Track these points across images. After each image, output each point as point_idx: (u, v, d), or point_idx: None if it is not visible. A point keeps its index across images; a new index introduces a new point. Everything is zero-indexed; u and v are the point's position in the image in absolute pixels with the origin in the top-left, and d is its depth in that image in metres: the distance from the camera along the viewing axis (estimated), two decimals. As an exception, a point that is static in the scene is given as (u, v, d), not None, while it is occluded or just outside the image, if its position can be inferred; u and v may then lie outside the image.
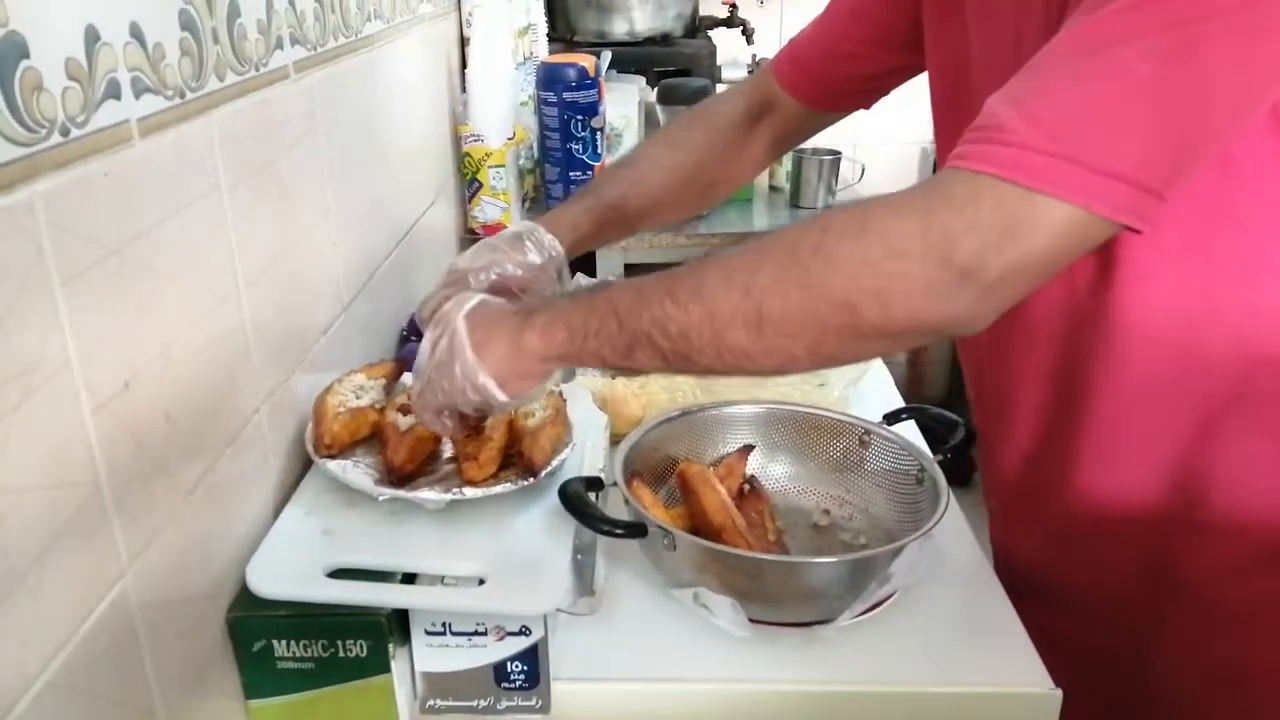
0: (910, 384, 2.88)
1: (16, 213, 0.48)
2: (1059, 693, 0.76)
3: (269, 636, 0.70)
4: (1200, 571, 0.82)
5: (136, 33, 0.59)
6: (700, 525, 0.83)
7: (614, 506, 0.85)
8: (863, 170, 1.96)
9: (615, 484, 0.84)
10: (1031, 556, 0.95)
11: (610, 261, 1.71)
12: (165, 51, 0.63)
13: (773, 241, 0.62)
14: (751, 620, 0.76)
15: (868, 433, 0.94)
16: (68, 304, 0.52)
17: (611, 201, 0.93)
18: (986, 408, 0.92)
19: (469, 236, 1.62)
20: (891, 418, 0.96)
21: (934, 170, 0.87)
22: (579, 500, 0.78)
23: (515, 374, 0.70)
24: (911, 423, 1.00)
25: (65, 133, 0.52)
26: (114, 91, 0.57)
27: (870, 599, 0.76)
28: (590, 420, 0.97)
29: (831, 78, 0.99)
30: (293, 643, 0.70)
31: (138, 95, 0.59)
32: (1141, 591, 0.85)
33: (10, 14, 0.48)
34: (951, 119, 0.85)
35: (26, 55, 0.49)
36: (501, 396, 0.70)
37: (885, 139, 2.61)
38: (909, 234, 0.58)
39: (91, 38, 0.55)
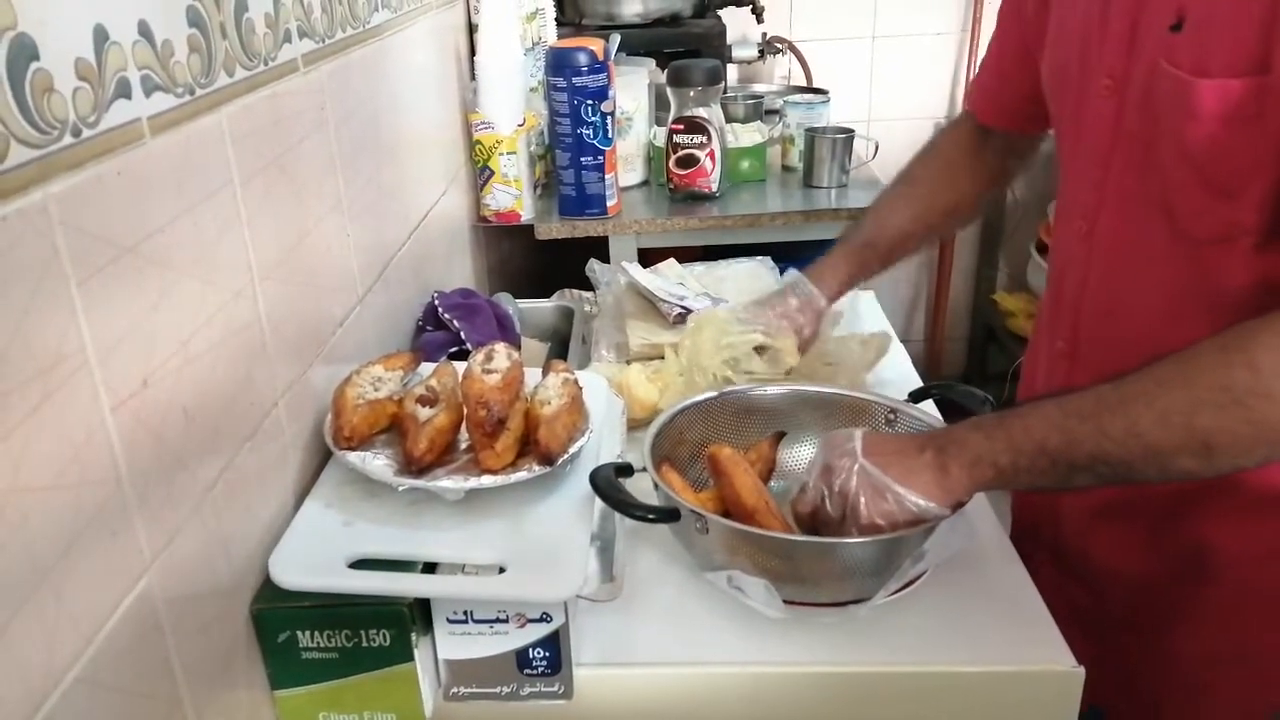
0: (929, 363, 2.86)
1: (31, 214, 0.48)
2: (1081, 670, 0.76)
3: (293, 627, 0.71)
4: (1239, 555, 0.82)
5: (145, 31, 0.59)
6: (732, 508, 0.83)
7: (636, 491, 0.85)
8: (876, 147, 1.94)
9: (644, 469, 0.84)
10: (1063, 531, 0.95)
11: (623, 245, 1.70)
12: (174, 49, 0.63)
13: (1196, 379, 0.65)
14: (785, 601, 0.76)
15: (894, 412, 0.93)
16: (84, 303, 0.52)
17: (863, 242, 1.04)
18: (1053, 379, 0.92)
19: (481, 224, 1.62)
20: (918, 395, 0.96)
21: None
22: (611, 487, 0.78)
23: (946, 501, 0.75)
24: (930, 402, 0.99)
25: (77, 133, 0.52)
26: (124, 91, 0.57)
27: (905, 577, 0.76)
28: (606, 406, 0.97)
29: (1012, 101, 1.03)
30: (317, 633, 0.71)
31: (148, 94, 0.59)
32: (1176, 571, 0.86)
33: (19, 15, 0.48)
34: (1071, 103, 0.87)
35: (36, 57, 0.49)
36: (938, 509, 0.75)
37: (898, 115, 2.59)
38: None
39: (100, 37, 0.55)
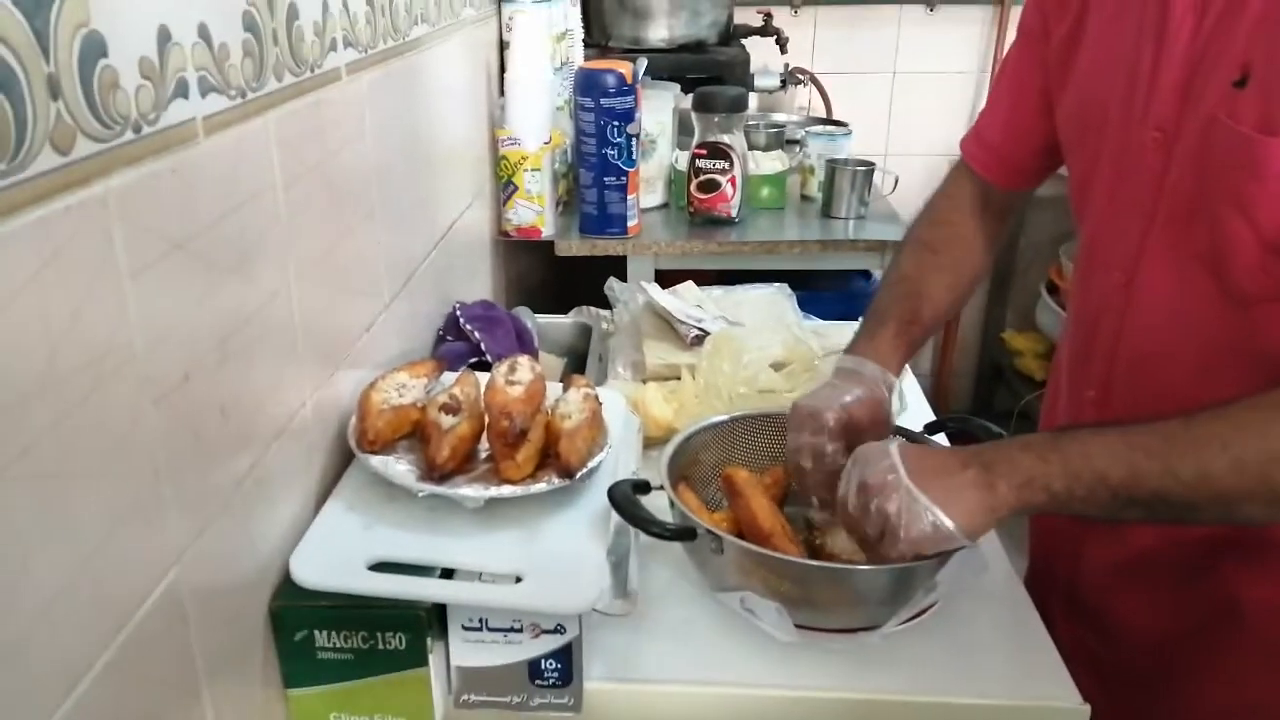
0: (936, 397, 2.87)
1: (91, 206, 0.50)
2: (1087, 708, 0.76)
3: (311, 626, 0.71)
4: (1263, 609, 0.82)
5: (204, 33, 0.61)
6: (747, 529, 0.83)
7: (649, 510, 0.86)
8: (896, 181, 1.96)
9: (660, 487, 0.85)
10: (1082, 580, 0.95)
11: (642, 266, 1.72)
12: (230, 52, 0.64)
13: (1276, 431, 0.67)
14: (797, 626, 0.77)
15: (911, 441, 0.94)
16: (135, 296, 0.53)
17: (909, 320, 0.98)
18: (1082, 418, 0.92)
19: (503, 238, 1.63)
20: (933, 427, 0.96)
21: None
22: (629, 503, 0.79)
23: (983, 524, 0.73)
24: (943, 435, 1.00)
25: (138, 130, 0.54)
26: (182, 90, 0.58)
27: (916, 606, 0.77)
28: (623, 423, 0.98)
29: (1026, 158, 1.01)
30: (333, 633, 0.72)
31: (204, 94, 0.61)
32: (1197, 626, 0.85)
33: (91, 13, 0.49)
34: (1110, 150, 0.85)
35: (105, 54, 0.51)
36: (967, 543, 0.74)
37: (916, 150, 2.61)
38: None
39: (164, 37, 0.56)
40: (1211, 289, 0.77)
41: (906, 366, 1.29)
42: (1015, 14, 2.53)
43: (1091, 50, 0.87)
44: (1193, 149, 0.75)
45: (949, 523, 0.72)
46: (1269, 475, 0.65)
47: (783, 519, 0.85)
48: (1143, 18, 0.79)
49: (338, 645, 0.72)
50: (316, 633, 0.72)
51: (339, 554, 0.75)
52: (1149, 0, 0.78)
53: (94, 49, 0.50)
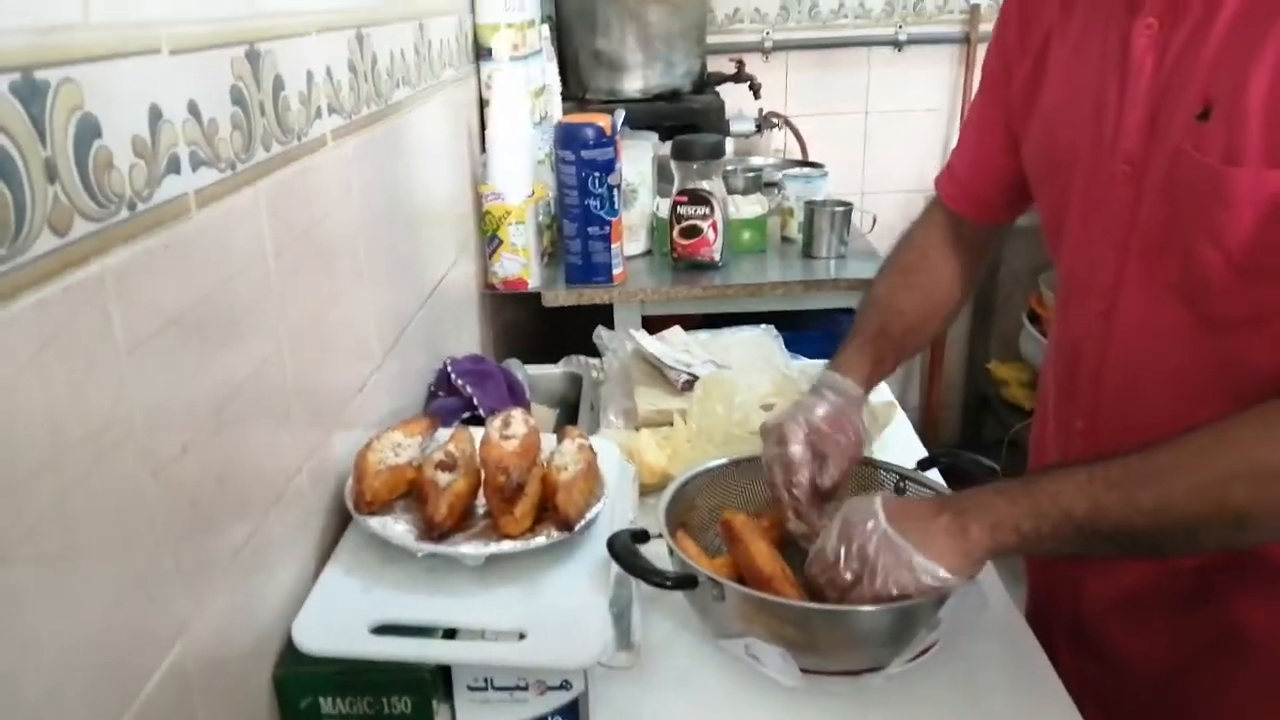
0: (925, 431, 2.88)
1: (89, 286, 0.50)
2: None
3: (316, 693, 0.71)
4: (1267, 633, 0.82)
5: (194, 109, 0.62)
6: (747, 574, 0.83)
7: (648, 558, 0.86)
8: (874, 220, 1.98)
9: (659, 535, 0.85)
10: (1083, 613, 0.95)
11: (628, 313, 1.73)
12: (219, 126, 0.65)
13: (1235, 452, 0.67)
14: (801, 670, 0.77)
15: (904, 479, 0.95)
16: (133, 371, 0.54)
17: (875, 334, 1.01)
18: (1070, 457, 0.92)
19: (489, 291, 1.64)
20: (925, 463, 0.97)
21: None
22: (629, 553, 0.79)
23: (960, 566, 0.75)
24: (935, 470, 1.01)
25: (132, 207, 0.54)
26: (174, 166, 0.59)
27: (919, 646, 0.77)
28: (619, 472, 0.98)
29: (992, 193, 1.03)
30: (339, 699, 0.71)
31: (195, 168, 0.62)
32: (1202, 655, 0.86)
33: (85, 96, 0.50)
34: (1080, 184, 0.87)
35: (99, 135, 0.51)
36: (955, 581, 0.75)
37: (891, 187, 2.66)
38: None
39: (155, 116, 0.57)
40: (1189, 316, 0.78)
41: (895, 400, 1.31)
42: (982, 51, 2.59)
43: (1055, 88, 0.89)
44: (1161, 181, 0.77)
45: (931, 567, 0.73)
46: (1226, 497, 0.65)
47: (782, 562, 0.85)
48: (1104, 55, 0.81)
49: (343, 711, 0.72)
50: (321, 699, 0.71)
51: (341, 618, 0.74)
52: (1110, 38, 0.80)
53: (88, 131, 0.51)
